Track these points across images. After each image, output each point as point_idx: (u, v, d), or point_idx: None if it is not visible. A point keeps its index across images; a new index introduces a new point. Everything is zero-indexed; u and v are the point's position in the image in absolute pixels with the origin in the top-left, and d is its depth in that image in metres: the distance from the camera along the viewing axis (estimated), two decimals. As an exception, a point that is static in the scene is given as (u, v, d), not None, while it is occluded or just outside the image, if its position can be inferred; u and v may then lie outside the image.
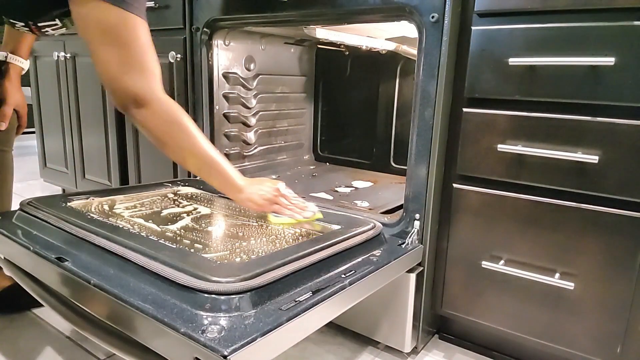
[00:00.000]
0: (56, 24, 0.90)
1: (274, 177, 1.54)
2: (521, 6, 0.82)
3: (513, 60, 0.83)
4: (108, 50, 0.79)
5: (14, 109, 1.11)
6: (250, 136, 1.53)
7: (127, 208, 1.05)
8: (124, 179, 1.68)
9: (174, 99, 1.42)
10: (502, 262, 0.92)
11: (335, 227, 0.94)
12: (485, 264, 0.93)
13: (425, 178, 0.95)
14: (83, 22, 0.78)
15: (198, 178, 1.37)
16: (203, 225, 0.96)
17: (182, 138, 0.85)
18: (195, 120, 1.35)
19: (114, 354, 0.96)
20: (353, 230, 0.89)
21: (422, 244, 0.96)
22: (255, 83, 1.51)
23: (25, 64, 1.11)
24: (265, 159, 1.61)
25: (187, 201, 1.15)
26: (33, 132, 2.09)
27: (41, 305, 1.11)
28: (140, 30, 0.80)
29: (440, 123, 0.92)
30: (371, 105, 1.62)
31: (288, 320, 0.61)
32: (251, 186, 0.94)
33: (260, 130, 1.57)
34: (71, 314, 0.80)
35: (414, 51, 1.01)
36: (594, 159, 0.78)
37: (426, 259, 0.97)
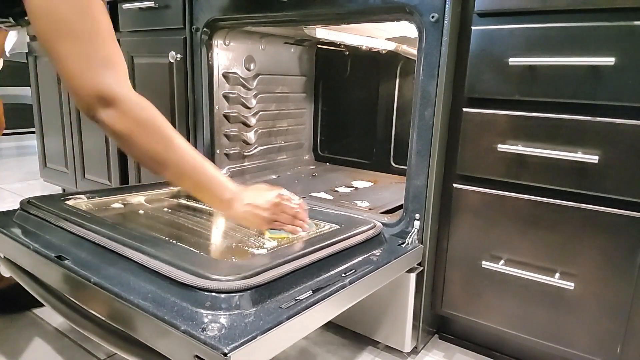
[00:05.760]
0: (8, 22, 0.81)
1: (273, 177, 1.54)
2: (521, 6, 0.82)
3: (513, 60, 0.84)
4: (63, 44, 0.67)
5: None
6: (250, 136, 1.53)
7: (125, 207, 1.05)
8: (124, 178, 1.68)
9: (173, 99, 1.44)
10: (502, 262, 0.92)
11: (335, 227, 0.94)
12: (485, 264, 0.93)
13: (425, 178, 0.95)
14: (33, 15, 0.67)
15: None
16: (203, 224, 0.96)
17: (157, 142, 0.73)
18: (195, 120, 1.36)
19: (115, 353, 0.96)
20: (353, 229, 0.89)
21: (422, 244, 0.96)
22: (255, 83, 1.51)
23: None
24: (265, 159, 1.61)
25: (188, 201, 1.15)
26: (33, 132, 2.09)
27: (41, 305, 1.11)
28: (100, 14, 0.69)
29: (440, 123, 0.92)
30: (371, 105, 1.62)
31: (288, 318, 0.61)
32: (243, 201, 0.79)
33: (260, 130, 1.57)
34: (71, 313, 0.80)
35: (414, 51, 1.01)
36: (594, 159, 0.79)
37: (426, 259, 0.97)
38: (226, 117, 1.42)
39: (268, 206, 0.81)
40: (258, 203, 0.81)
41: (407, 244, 0.95)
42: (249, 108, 1.50)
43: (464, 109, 0.92)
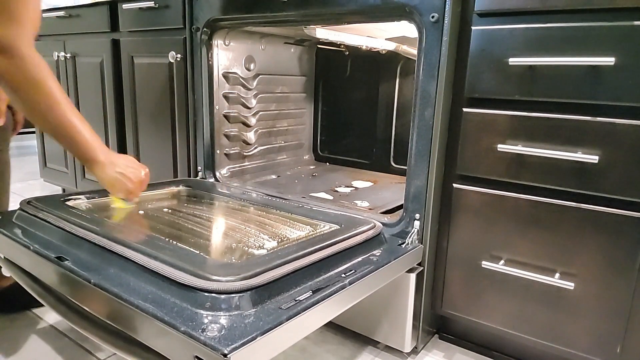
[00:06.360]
0: None
1: (273, 177, 1.54)
2: (521, 6, 0.82)
3: (513, 60, 0.84)
4: None
5: (8, 106, 1.08)
6: (250, 136, 1.53)
7: (124, 207, 1.05)
8: (124, 178, 1.68)
9: (173, 99, 1.44)
10: (502, 262, 0.92)
11: (335, 227, 0.94)
12: (485, 263, 0.93)
13: (425, 178, 0.95)
14: None
15: (199, 178, 1.38)
16: (203, 225, 0.96)
17: (40, 99, 0.79)
18: (195, 120, 1.36)
19: (114, 353, 0.96)
20: (353, 230, 0.89)
21: (422, 243, 0.96)
22: (255, 83, 1.51)
23: None
24: (265, 159, 1.61)
25: (187, 201, 1.15)
26: (33, 132, 2.09)
27: (41, 305, 1.12)
28: None
29: (440, 123, 0.92)
30: (371, 105, 1.62)
31: (288, 319, 0.61)
32: (116, 167, 0.88)
33: (260, 130, 1.57)
34: (71, 314, 0.80)
35: (414, 51, 1.01)
36: (594, 159, 0.79)
37: (426, 259, 0.97)
38: (226, 117, 1.42)
39: (137, 181, 0.92)
40: (130, 176, 0.91)
41: (407, 244, 0.95)
42: (249, 108, 1.50)
43: (464, 109, 0.92)
